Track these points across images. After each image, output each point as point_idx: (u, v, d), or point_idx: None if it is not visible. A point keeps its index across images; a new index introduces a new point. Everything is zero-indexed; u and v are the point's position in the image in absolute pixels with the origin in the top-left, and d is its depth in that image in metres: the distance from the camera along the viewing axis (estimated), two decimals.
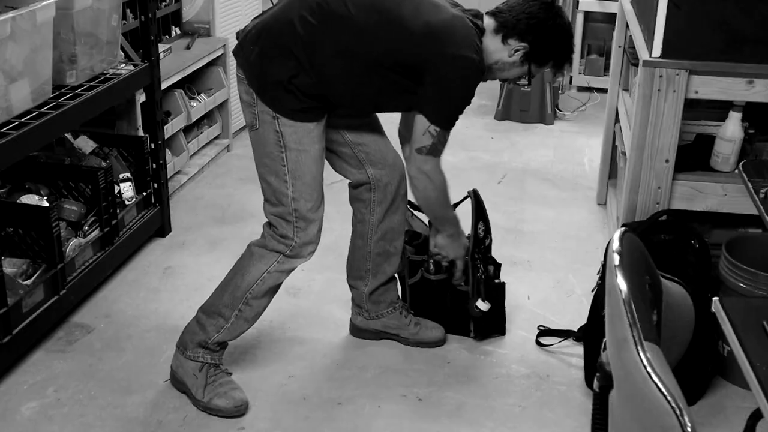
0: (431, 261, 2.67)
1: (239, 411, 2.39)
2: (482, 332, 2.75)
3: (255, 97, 2.27)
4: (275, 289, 2.43)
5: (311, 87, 2.23)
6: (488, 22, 2.33)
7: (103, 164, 3.07)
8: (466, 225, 2.64)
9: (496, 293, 2.71)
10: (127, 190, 3.14)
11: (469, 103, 2.30)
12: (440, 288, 2.71)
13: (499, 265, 2.74)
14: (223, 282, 2.44)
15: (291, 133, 2.27)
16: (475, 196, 2.68)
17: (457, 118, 2.32)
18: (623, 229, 1.30)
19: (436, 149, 2.30)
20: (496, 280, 2.72)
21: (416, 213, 2.72)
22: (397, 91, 2.30)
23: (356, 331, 2.76)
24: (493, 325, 2.76)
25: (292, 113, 2.25)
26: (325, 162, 2.43)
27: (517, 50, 2.30)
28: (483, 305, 2.63)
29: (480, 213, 2.67)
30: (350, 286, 2.72)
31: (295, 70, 2.21)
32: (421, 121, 2.28)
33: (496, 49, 2.32)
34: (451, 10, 2.28)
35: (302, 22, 2.21)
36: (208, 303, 2.44)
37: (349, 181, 2.58)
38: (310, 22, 2.21)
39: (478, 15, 2.34)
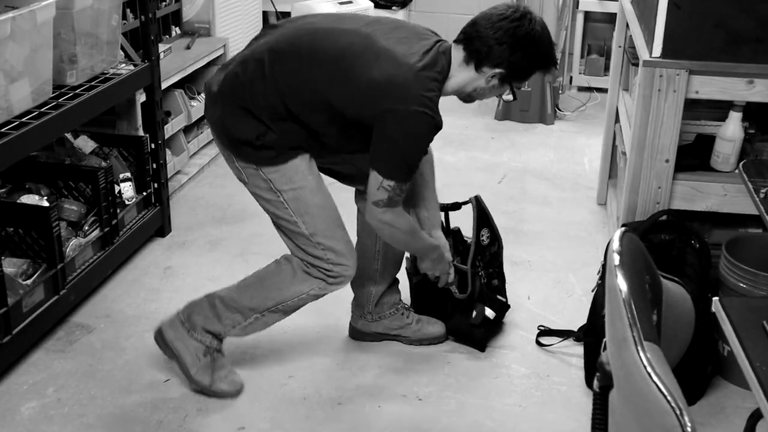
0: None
1: (239, 393, 2.47)
2: (462, 339, 2.72)
3: (230, 154, 2.30)
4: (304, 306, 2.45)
5: (281, 141, 2.23)
6: (456, 54, 2.25)
7: (103, 164, 3.07)
8: (467, 230, 2.65)
9: (497, 311, 2.69)
10: (127, 190, 3.14)
11: (424, 154, 2.25)
12: (441, 291, 2.70)
13: (504, 281, 2.73)
14: (253, 282, 2.42)
15: (279, 177, 2.27)
16: (477, 203, 2.66)
17: (413, 171, 2.25)
18: (623, 229, 1.30)
19: (393, 201, 2.22)
20: (500, 297, 2.70)
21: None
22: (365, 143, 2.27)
23: (357, 334, 2.75)
24: (476, 339, 2.70)
25: (272, 160, 2.25)
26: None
27: (493, 76, 2.25)
28: (489, 312, 2.62)
29: (483, 220, 2.65)
30: (357, 286, 2.69)
31: (260, 129, 2.22)
32: (374, 176, 2.20)
33: (471, 78, 2.26)
34: (409, 60, 2.17)
35: (261, 81, 2.20)
36: (230, 296, 2.43)
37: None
38: (268, 81, 2.19)
39: (447, 51, 2.25)
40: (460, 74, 2.26)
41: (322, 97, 2.18)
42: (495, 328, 2.76)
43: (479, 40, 2.22)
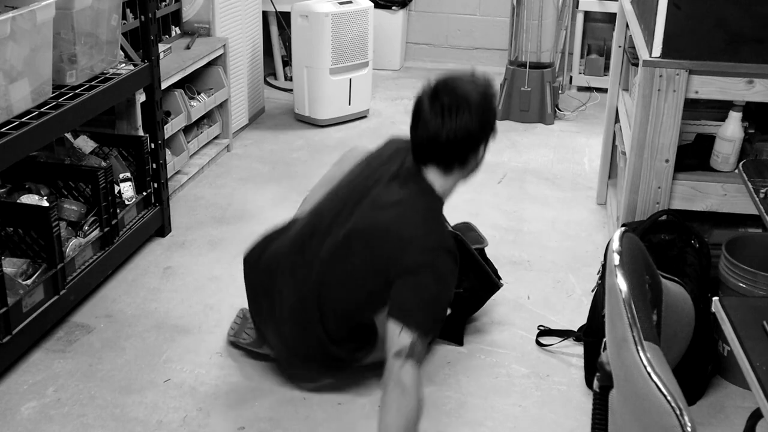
0: None
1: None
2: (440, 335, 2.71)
3: None
4: None
5: (350, 332, 2.39)
6: (433, 174, 2.22)
7: (103, 164, 3.07)
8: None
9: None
10: (127, 190, 3.14)
11: (450, 301, 2.28)
12: None
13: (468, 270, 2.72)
14: None
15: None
16: None
17: (438, 321, 2.25)
18: (623, 228, 1.30)
19: (415, 351, 2.06)
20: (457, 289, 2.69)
21: None
22: None
23: None
24: (451, 334, 2.70)
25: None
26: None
27: (480, 155, 2.25)
28: None
29: None
30: None
31: (329, 347, 2.37)
32: (392, 325, 2.10)
33: (464, 172, 2.26)
34: (411, 214, 2.20)
35: (317, 322, 2.32)
36: None
37: None
38: (316, 322, 2.32)
39: (420, 177, 2.22)
40: (451, 180, 2.26)
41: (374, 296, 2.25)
42: (466, 318, 2.75)
43: (451, 150, 2.18)
